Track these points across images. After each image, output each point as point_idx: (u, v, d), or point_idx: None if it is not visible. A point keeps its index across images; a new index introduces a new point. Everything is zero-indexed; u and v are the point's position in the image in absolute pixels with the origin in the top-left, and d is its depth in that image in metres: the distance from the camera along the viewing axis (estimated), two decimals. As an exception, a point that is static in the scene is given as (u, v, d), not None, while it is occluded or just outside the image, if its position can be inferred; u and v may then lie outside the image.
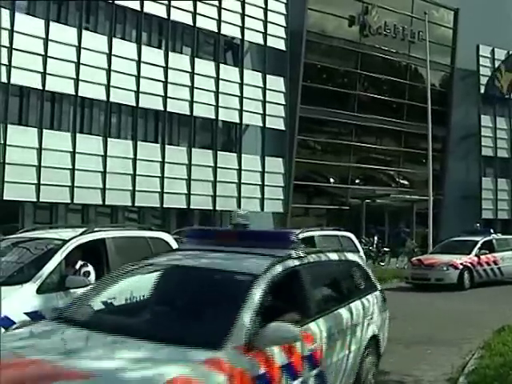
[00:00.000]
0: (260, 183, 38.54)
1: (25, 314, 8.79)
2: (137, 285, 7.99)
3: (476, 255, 25.17)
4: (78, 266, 10.40)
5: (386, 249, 35.82)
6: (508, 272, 25.98)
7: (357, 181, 44.23)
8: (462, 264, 24.28)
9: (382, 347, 9.20)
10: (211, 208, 36.51)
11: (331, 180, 43.58)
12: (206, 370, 5.32)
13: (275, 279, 6.71)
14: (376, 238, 36.92)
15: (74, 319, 6.53)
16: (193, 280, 7.21)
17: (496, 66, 48.36)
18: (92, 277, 10.38)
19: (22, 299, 8.98)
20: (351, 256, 9.62)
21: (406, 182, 46.75)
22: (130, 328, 6.29)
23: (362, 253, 20.87)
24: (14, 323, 8.49)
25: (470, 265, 24.55)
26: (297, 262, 7.36)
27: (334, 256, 8.88)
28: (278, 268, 6.91)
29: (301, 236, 18.70)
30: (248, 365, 5.71)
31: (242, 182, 37.57)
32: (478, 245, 25.68)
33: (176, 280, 7.41)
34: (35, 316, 8.88)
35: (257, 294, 6.34)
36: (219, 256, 7.45)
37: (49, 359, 5.35)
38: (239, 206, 37.19)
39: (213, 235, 8.54)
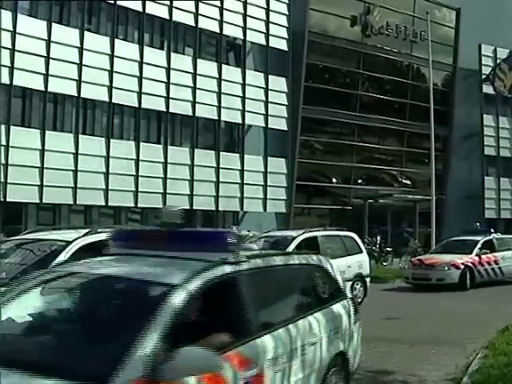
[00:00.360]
0: (262, 183, 38.53)
1: (28, 315, 8.78)
2: (33, 299, 6.11)
3: (477, 255, 24.82)
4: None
5: (388, 249, 35.77)
6: (508, 272, 25.68)
7: (359, 181, 44.20)
8: (463, 264, 23.94)
9: (352, 365, 7.90)
10: (214, 208, 36.52)
11: (334, 180, 43.56)
12: None
13: (200, 290, 5.46)
14: (379, 237, 36.88)
15: None
16: (93, 293, 6.08)
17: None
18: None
19: (25, 301, 8.96)
20: (315, 259, 8.16)
21: (408, 182, 46.70)
22: (9, 357, 4.75)
23: (365, 252, 20.92)
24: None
25: (471, 264, 24.19)
26: (233, 268, 6.01)
27: (289, 260, 7.60)
28: (206, 276, 5.62)
29: (302, 237, 18.91)
30: None
31: (245, 182, 37.56)
32: (479, 244, 25.31)
33: (72, 293, 6.16)
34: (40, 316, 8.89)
35: (170, 309, 5.05)
36: (137, 262, 6.13)
37: None
38: (242, 206, 37.23)
39: (139, 237, 7.00)
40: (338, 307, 7.85)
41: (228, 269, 5.96)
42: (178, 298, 5.18)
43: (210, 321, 5.76)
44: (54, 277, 6.26)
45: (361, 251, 20.61)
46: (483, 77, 47.30)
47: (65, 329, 5.62)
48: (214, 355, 4.97)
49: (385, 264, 33.18)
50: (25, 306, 5.97)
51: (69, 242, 10.15)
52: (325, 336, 7.16)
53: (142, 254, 6.27)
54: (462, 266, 23.89)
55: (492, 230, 28.19)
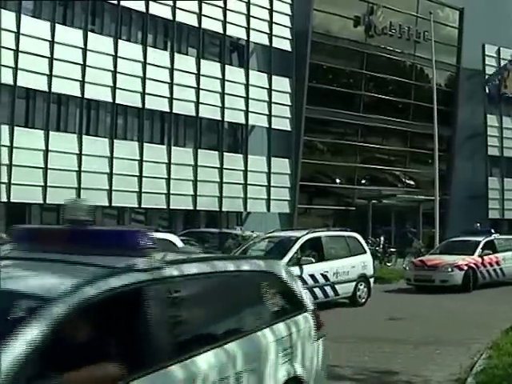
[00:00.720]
0: (266, 184, 38.52)
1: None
2: None
3: (479, 256, 24.42)
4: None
5: (392, 249, 35.71)
6: (509, 272, 25.40)
7: (363, 181, 44.19)
8: (466, 265, 23.58)
9: None
10: (217, 209, 36.52)
11: (337, 180, 43.55)
12: None
13: (89, 305, 4.36)
14: (382, 238, 36.82)
15: None
16: None
17: (502, 65, 48.29)
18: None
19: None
20: (263, 265, 6.73)
21: (412, 183, 46.68)
22: None
23: (368, 253, 20.91)
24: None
25: (474, 266, 23.82)
26: (142, 277, 4.79)
27: (226, 266, 6.09)
28: (100, 286, 4.48)
29: (306, 237, 18.91)
30: None
31: (248, 182, 37.56)
32: (481, 245, 24.89)
33: None
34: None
35: (39, 328, 3.99)
36: (21, 269, 5.25)
37: None
38: (245, 207, 37.25)
39: (38, 237, 5.68)
40: (292, 322, 6.40)
41: (133, 278, 4.71)
42: (52, 315, 4.08)
43: (102, 345, 4.43)
44: None
45: (364, 252, 20.60)
46: (487, 77, 47.52)
47: None
48: None
49: (388, 264, 33.14)
50: None
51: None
52: (271, 359, 5.85)
53: (35, 258, 5.18)
54: (466, 268, 23.52)
55: (492, 231, 27.80)
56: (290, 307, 6.59)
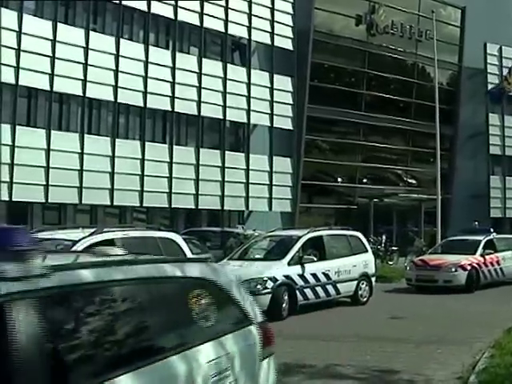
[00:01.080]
0: (268, 183, 38.53)
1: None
2: None
3: (481, 255, 24.10)
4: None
5: (394, 248, 35.74)
6: (509, 272, 25.14)
7: (365, 180, 44.19)
8: (470, 265, 23.25)
9: None
10: (219, 208, 36.52)
11: (339, 179, 43.56)
12: None
13: None
14: (384, 237, 36.86)
15: None
16: None
17: (503, 64, 48.25)
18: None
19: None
20: (195, 271, 5.26)
21: (413, 181, 46.68)
22: None
23: (370, 252, 20.92)
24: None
25: (477, 265, 23.52)
26: (14, 288, 3.45)
27: (140, 272, 4.59)
28: None
29: (307, 236, 18.93)
30: None
31: (250, 181, 37.56)
32: (482, 244, 24.44)
33: None
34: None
35: None
36: None
37: None
38: (247, 205, 37.26)
39: None
40: (231, 339, 5.08)
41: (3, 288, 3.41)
42: None
43: None
44: None
45: (366, 250, 20.62)
46: (489, 76, 47.48)
47: None
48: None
49: (390, 263, 33.16)
50: None
51: (75, 242, 10.15)
52: None
53: None
54: (469, 268, 23.23)
55: (491, 230, 27.53)
56: (229, 320, 5.33)
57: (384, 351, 10.24)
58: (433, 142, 36.17)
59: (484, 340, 12.41)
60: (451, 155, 46.18)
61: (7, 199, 28.91)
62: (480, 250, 24.23)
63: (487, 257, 24.29)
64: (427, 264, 23.83)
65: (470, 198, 44.35)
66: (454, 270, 22.98)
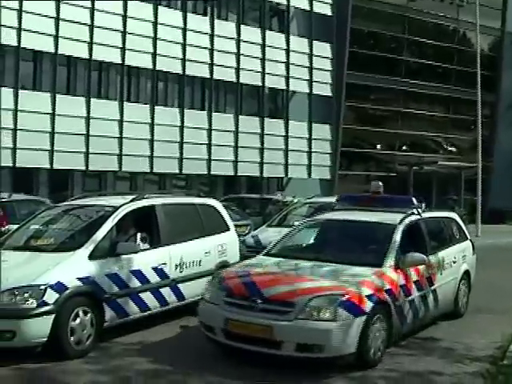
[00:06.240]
0: (307, 150, 38.47)
1: (77, 279, 8.91)
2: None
3: (396, 266, 8.75)
4: (130, 233, 10.51)
5: (433, 216, 35.45)
6: (445, 300, 9.90)
7: (404, 147, 43.93)
8: (372, 295, 7.58)
9: None
10: (258, 175, 36.56)
11: (378, 146, 43.36)
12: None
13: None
14: (423, 205, 36.57)
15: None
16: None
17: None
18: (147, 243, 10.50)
19: (74, 265, 9.10)
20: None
21: (453, 149, 46.28)
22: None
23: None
24: (68, 289, 8.63)
25: (387, 296, 7.90)
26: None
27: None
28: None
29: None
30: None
31: (289, 148, 37.53)
32: (398, 236, 9.95)
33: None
34: (87, 281, 9.00)
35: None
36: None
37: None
38: (286, 173, 37.25)
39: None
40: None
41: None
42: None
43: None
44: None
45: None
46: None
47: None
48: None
49: (430, 231, 32.92)
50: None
51: (116, 208, 10.20)
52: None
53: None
54: (368, 305, 8.53)
55: (414, 200, 12.22)
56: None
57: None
58: (473, 109, 35.70)
59: (525, 309, 12.34)
60: (492, 123, 45.65)
61: (48, 167, 29.23)
62: (394, 254, 9.71)
63: (410, 270, 9.86)
64: (254, 290, 8.87)
65: (510, 165, 43.84)
66: (328, 311, 8.31)
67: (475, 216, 32.92)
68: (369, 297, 8.46)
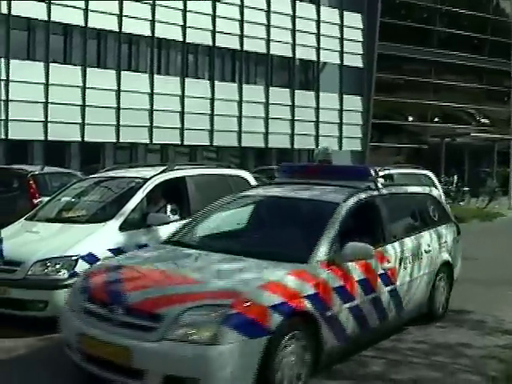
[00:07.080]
0: (338, 121, 38.29)
1: (108, 250, 8.96)
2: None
3: (330, 261, 7.01)
4: (161, 204, 10.52)
5: (465, 188, 35.18)
6: (411, 303, 7.62)
7: (436, 119, 43.54)
8: (284, 304, 6.20)
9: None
10: (289, 146, 36.50)
11: (410, 118, 43.01)
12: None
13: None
14: (456, 177, 36.28)
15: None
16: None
17: None
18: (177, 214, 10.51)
19: (105, 236, 9.16)
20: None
21: (486, 121, 45.80)
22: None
23: (441, 191, 20.56)
24: (98, 259, 8.69)
25: (306, 308, 5.89)
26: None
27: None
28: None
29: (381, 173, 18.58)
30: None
31: (320, 120, 37.39)
32: (338, 222, 7.59)
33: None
34: (118, 253, 9.05)
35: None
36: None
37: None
38: (317, 144, 37.09)
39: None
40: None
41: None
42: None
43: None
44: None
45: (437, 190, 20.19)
46: None
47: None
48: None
49: (461, 204, 32.70)
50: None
51: (146, 179, 10.21)
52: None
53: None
54: (275, 322, 5.90)
55: (371, 171, 8.84)
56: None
57: (455, 291, 10.14)
58: (507, 81, 35.25)
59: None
60: (527, 93, 45.01)
61: (80, 140, 29.40)
62: (326, 245, 6.93)
63: (353, 267, 7.17)
64: (116, 294, 6.21)
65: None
66: (207, 329, 5.59)
67: (508, 188, 32.58)
68: (275, 307, 5.88)
